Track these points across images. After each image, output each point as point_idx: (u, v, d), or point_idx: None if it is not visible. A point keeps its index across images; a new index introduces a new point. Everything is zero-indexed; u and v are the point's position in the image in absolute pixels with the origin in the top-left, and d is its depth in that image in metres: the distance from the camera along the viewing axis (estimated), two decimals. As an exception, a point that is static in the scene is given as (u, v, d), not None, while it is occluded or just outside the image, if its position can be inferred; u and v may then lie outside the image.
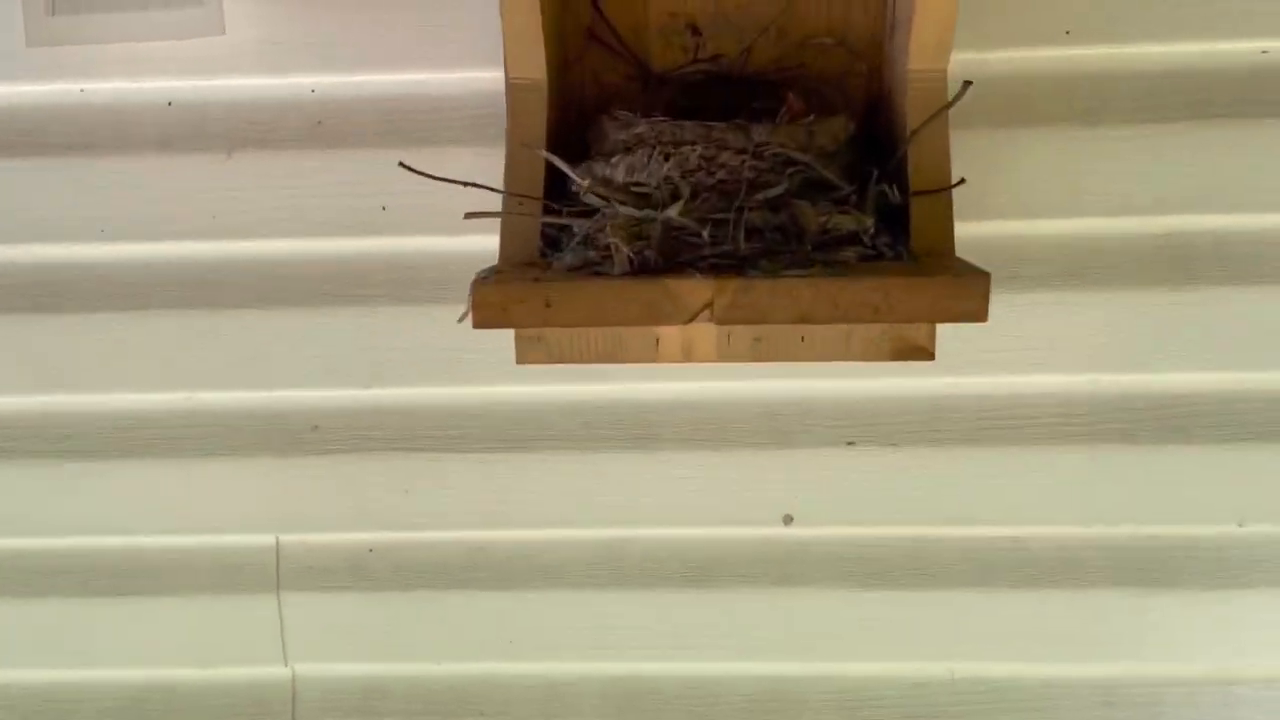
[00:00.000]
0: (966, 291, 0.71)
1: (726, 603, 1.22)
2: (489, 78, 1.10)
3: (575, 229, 0.79)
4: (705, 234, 0.77)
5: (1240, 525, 1.16)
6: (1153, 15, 1.07)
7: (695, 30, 0.97)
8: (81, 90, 1.13)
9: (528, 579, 1.23)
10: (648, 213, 0.78)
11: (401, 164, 0.88)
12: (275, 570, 1.24)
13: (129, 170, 1.14)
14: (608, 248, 0.76)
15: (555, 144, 0.89)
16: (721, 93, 0.97)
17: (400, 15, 1.11)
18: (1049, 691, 1.23)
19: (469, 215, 0.81)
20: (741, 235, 0.77)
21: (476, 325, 0.74)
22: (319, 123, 1.13)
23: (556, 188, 0.87)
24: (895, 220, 0.84)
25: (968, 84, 0.81)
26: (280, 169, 1.14)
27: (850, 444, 1.17)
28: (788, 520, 1.20)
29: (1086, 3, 1.07)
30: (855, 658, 1.23)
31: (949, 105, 0.83)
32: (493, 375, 1.17)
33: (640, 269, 0.76)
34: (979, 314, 0.71)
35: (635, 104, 0.94)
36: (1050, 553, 1.20)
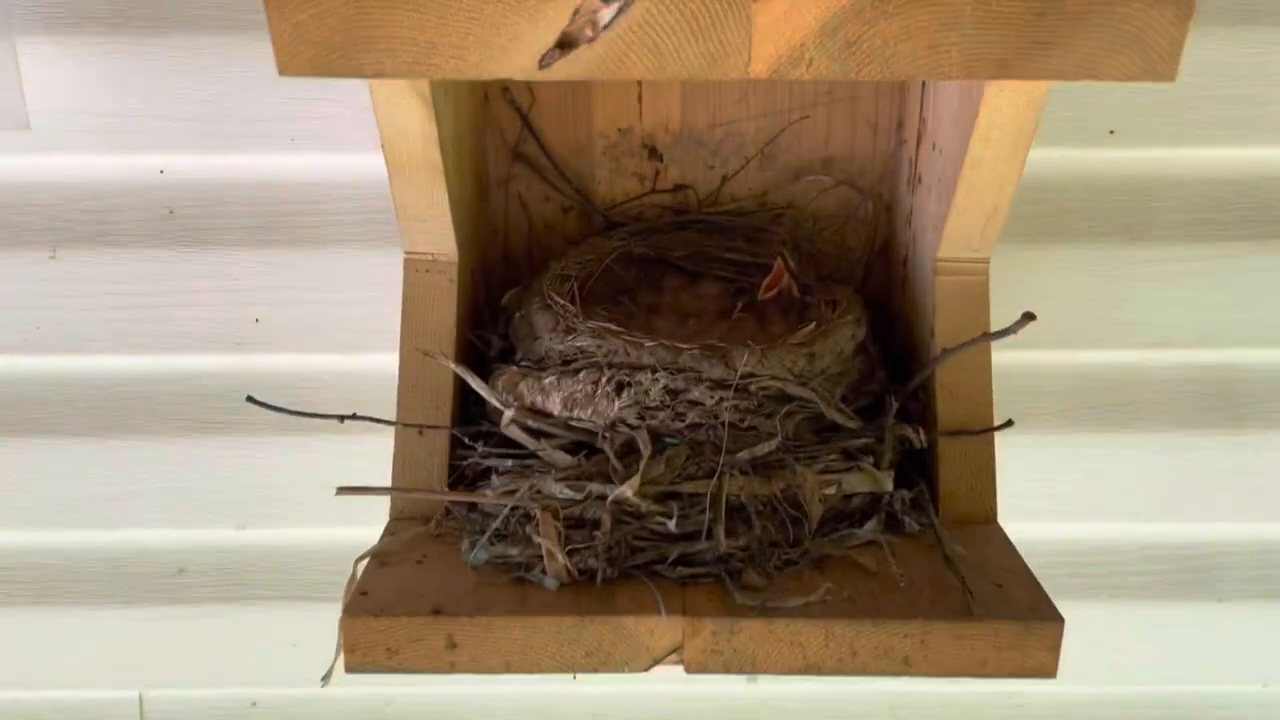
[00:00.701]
0: (1032, 643, 0.51)
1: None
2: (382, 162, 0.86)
3: (489, 511, 0.57)
4: (672, 524, 0.56)
5: (1264, 686, 1.01)
6: (1211, 114, 0.86)
7: (654, 152, 0.74)
8: None
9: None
10: (592, 489, 0.56)
11: (250, 398, 0.65)
12: (140, 729, 1.05)
13: (-72, 274, 0.89)
14: (534, 541, 0.55)
15: (467, 329, 0.67)
16: (686, 236, 0.74)
17: (273, 82, 0.85)
18: None
19: (341, 490, 0.59)
20: (721, 530, 0.55)
21: (351, 670, 0.53)
22: (170, 212, 0.89)
23: (467, 401, 0.65)
24: (915, 460, 0.64)
25: (1029, 317, 0.60)
26: (121, 270, 0.90)
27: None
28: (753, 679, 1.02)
29: (1134, 97, 0.85)
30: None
31: (992, 336, 0.61)
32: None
33: (583, 575, 0.55)
34: (1047, 669, 0.52)
35: (574, 257, 0.71)
36: (1050, 711, 1.04)
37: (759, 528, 0.57)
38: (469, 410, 0.66)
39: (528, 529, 0.56)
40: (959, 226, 0.61)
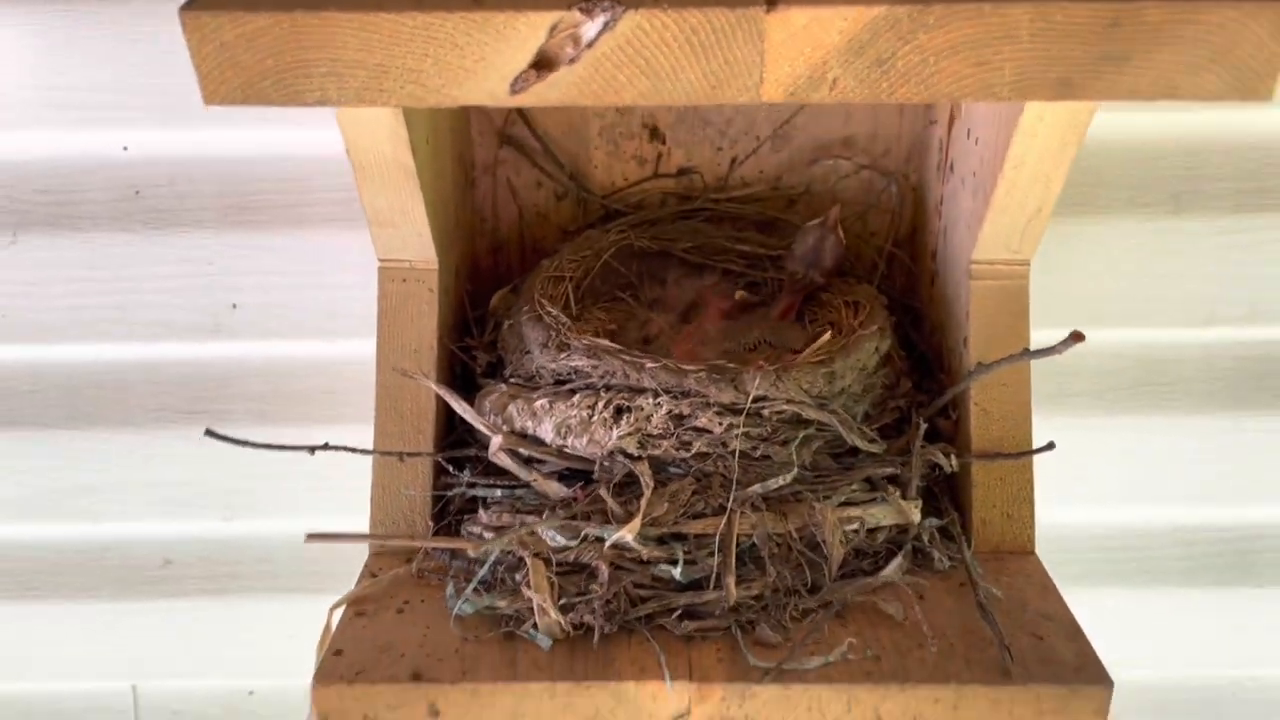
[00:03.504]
0: (1077, 706, 0.46)
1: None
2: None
3: (477, 558, 0.51)
4: (677, 571, 0.50)
5: (1294, 669, 0.98)
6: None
7: (655, 133, 0.67)
8: None
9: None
10: (588, 532, 0.51)
11: (209, 431, 0.59)
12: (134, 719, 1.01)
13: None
14: (524, 594, 0.50)
15: (450, 339, 0.60)
16: (692, 226, 0.67)
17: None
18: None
19: (311, 538, 0.53)
20: (732, 579, 0.50)
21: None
22: (136, 192, 0.83)
23: (451, 422, 0.59)
24: (944, 484, 0.58)
25: (1078, 336, 0.53)
26: (86, 254, 0.84)
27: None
28: None
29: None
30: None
31: (1035, 354, 0.55)
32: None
33: (577, 629, 0.50)
34: (1094, 741, 0.46)
35: (569, 254, 0.64)
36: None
37: (773, 573, 0.51)
38: (454, 429, 0.60)
39: (517, 577, 0.51)
40: (998, 227, 0.54)
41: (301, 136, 0.83)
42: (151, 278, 0.87)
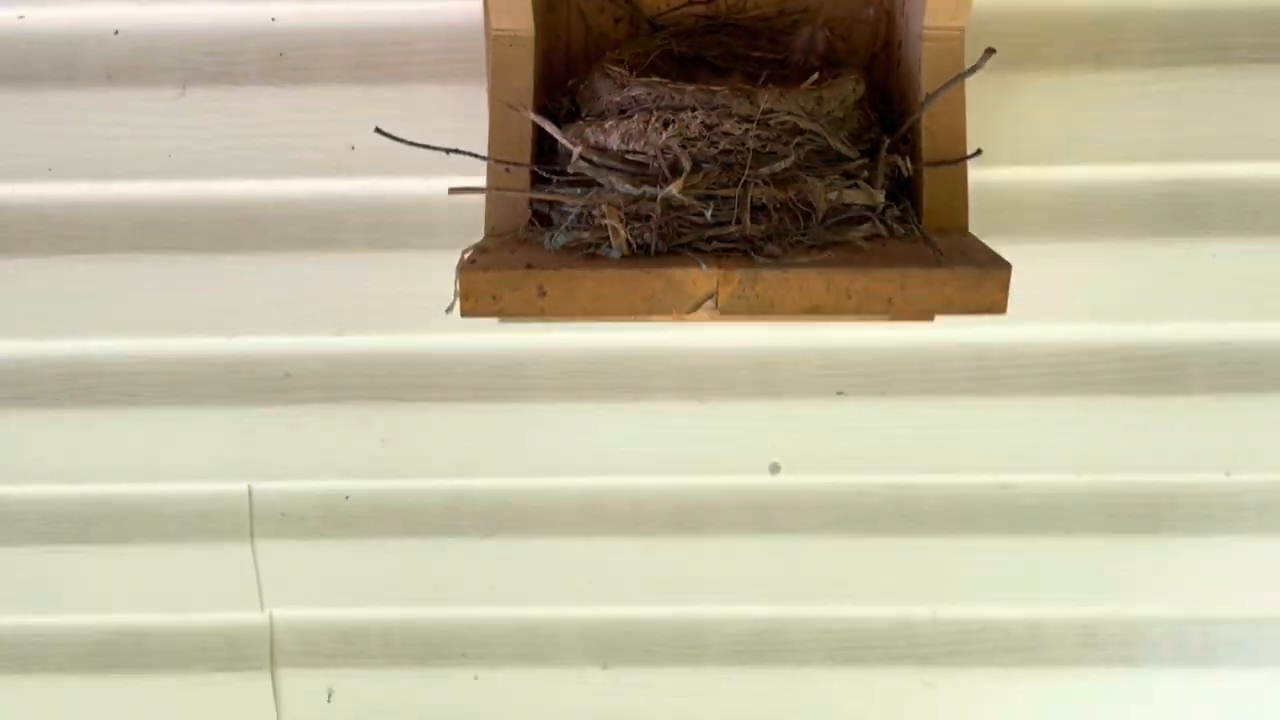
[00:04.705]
0: (987, 284, 0.67)
1: (713, 549, 1.21)
2: (462, 7, 1.02)
3: (568, 207, 0.73)
4: (708, 214, 0.72)
5: (1227, 475, 1.16)
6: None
7: (692, -29, 0.90)
8: (20, 17, 1.04)
9: (509, 526, 1.21)
10: (646, 189, 0.72)
11: (378, 130, 0.82)
12: (249, 517, 1.21)
13: (75, 105, 1.07)
14: (603, 227, 0.71)
15: (541, 98, 0.83)
16: (719, 38, 0.90)
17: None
18: (1032, 632, 1.23)
19: (453, 190, 0.75)
20: (747, 216, 0.71)
21: (465, 314, 0.69)
22: (280, 55, 1.05)
23: (543, 149, 0.81)
24: (904, 189, 0.79)
25: (990, 52, 0.75)
26: (239, 104, 1.06)
27: (840, 393, 1.14)
28: (775, 469, 1.17)
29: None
30: (840, 601, 1.22)
31: (966, 74, 0.77)
32: (475, 323, 1.11)
33: (640, 249, 0.71)
34: (999, 307, 0.67)
35: (626, 50, 0.87)
36: (1038, 500, 1.18)
37: (776, 219, 0.73)
38: (544, 154, 0.82)
39: (596, 216, 0.73)
40: (940, 2, 0.76)
41: (409, 7, 1.06)
42: (289, 124, 1.09)
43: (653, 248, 0.71)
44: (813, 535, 1.20)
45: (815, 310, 0.67)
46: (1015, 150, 1.07)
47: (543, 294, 0.68)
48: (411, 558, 1.22)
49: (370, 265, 1.12)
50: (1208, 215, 1.08)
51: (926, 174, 0.77)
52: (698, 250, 0.71)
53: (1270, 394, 1.14)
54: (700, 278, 0.68)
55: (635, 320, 0.72)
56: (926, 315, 0.69)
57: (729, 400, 1.15)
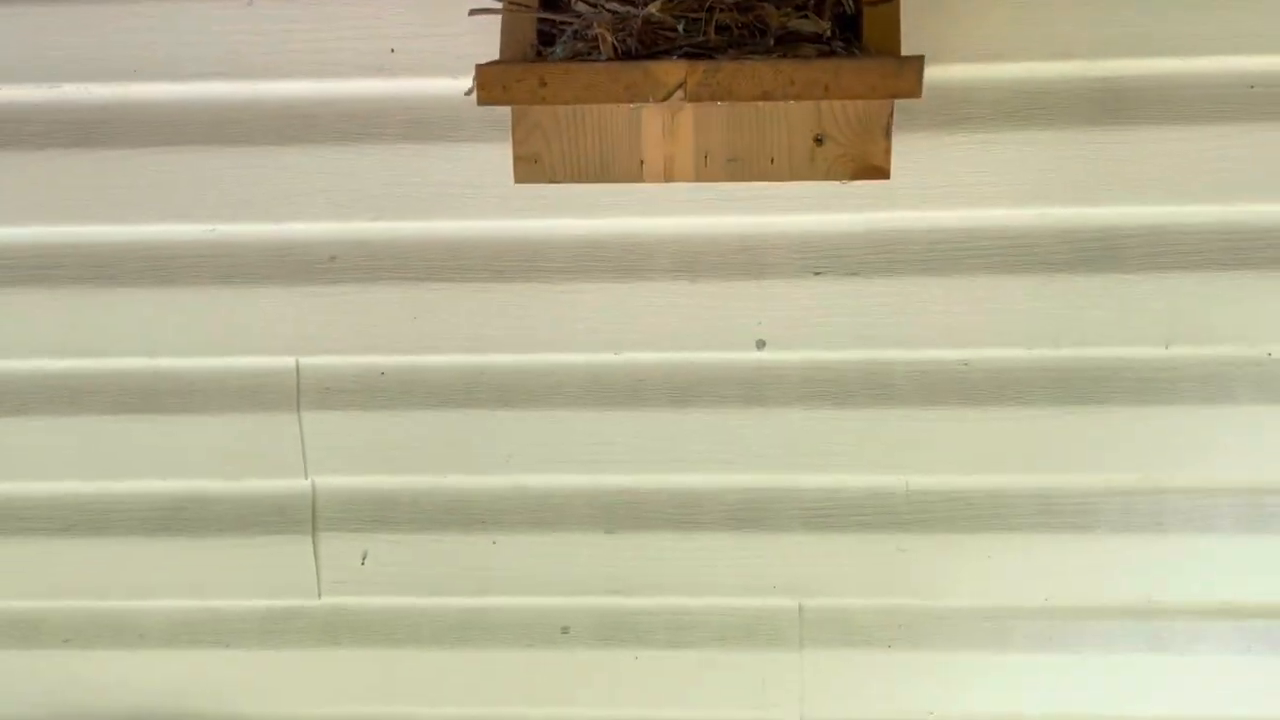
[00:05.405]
0: (905, 71, 0.83)
1: (705, 420, 1.35)
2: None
3: (566, 24, 0.90)
4: (680, 28, 0.89)
5: (1166, 348, 1.28)
6: None
7: None
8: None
9: (524, 399, 1.35)
10: (629, 9, 0.89)
11: (473, 11, 0.98)
12: (296, 391, 1.36)
13: (158, 14, 1.25)
14: (595, 40, 0.88)
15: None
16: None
17: None
18: (994, 500, 1.36)
19: (473, 12, 0.93)
20: (712, 29, 0.88)
21: (481, 102, 0.86)
22: (332, -31, 1.24)
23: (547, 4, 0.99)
24: (848, 25, 0.96)
25: None
26: (297, 13, 1.24)
27: (817, 274, 1.29)
28: (760, 345, 1.32)
29: None
30: (820, 470, 1.36)
31: None
32: (494, 210, 1.29)
33: (623, 56, 0.88)
34: (914, 91, 0.84)
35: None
36: (995, 374, 1.32)
37: (736, 34, 0.90)
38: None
39: (589, 32, 0.90)
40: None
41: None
42: (337, 30, 1.28)
43: (634, 52, 0.88)
44: (795, 408, 1.34)
45: (766, 96, 0.84)
46: (966, 49, 1.23)
47: (543, 84, 0.85)
48: (437, 429, 1.37)
49: (406, 157, 1.29)
50: (1138, 107, 1.23)
51: (867, 12, 0.94)
52: (671, 55, 0.88)
53: (1204, 271, 1.27)
54: (671, 69, 0.85)
55: (618, 103, 0.87)
56: (857, 95, 0.84)
57: (718, 280, 1.30)
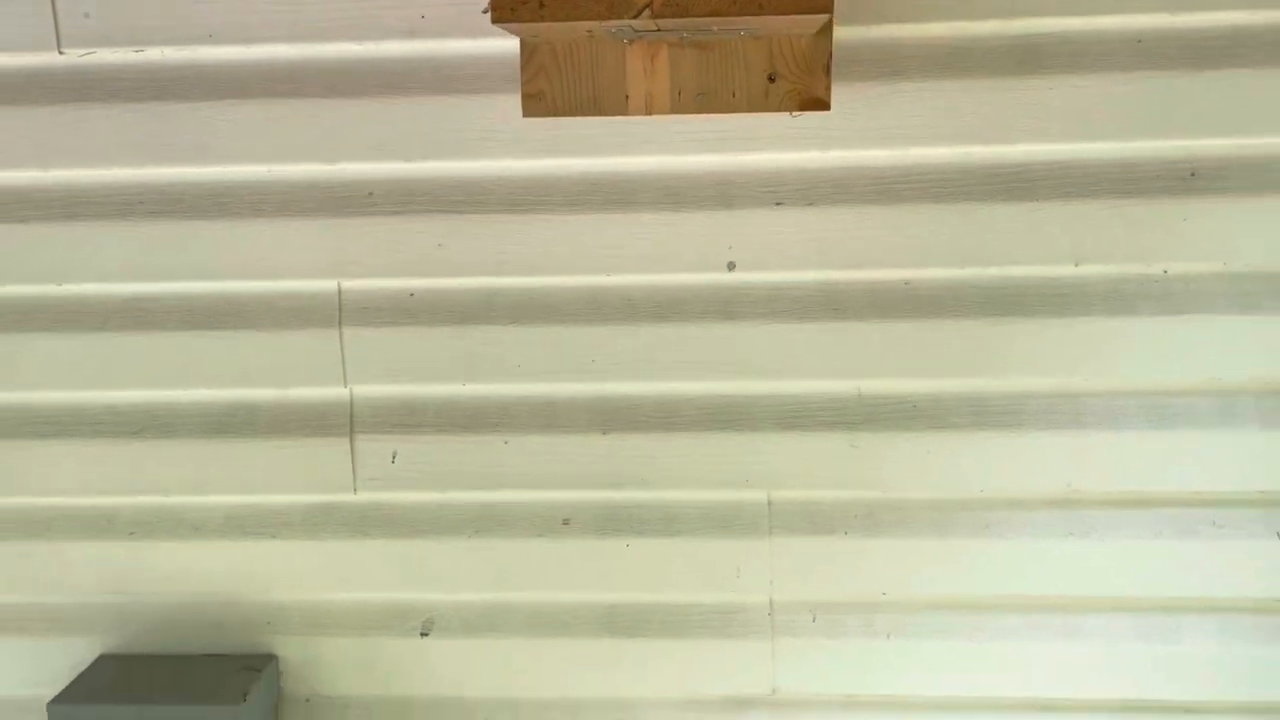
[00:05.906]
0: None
1: (684, 335, 1.58)
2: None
3: None
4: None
5: (1076, 266, 1.52)
6: None
7: None
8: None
9: (532, 316, 1.59)
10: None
11: None
12: (338, 310, 1.60)
13: (228, -8, 1.51)
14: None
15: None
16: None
17: None
18: (934, 404, 1.58)
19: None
20: None
21: (494, 21, 1.11)
22: (371, -52, 1.50)
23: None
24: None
25: None
26: (344, -16, 1.51)
27: (778, 204, 1.53)
28: (731, 266, 1.56)
29: None
30: (785, 377, 1.59)
31: None
32: (508, 151, 1.53)
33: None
34: (828, 7, 1.08)
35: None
36: (934, 291, 1.55)
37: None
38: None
39: None
40: None
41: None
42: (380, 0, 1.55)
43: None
44: (761, 323, 1.57)
45: (715, 12, 1.09)
46: (902, 12, 1.48)
47: (542, 5, 1.10)
48: (458, 344, 1.61)
49: (434, 107, 1.54)
50: (1047, 59, 1.47)
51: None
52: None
53: (1106, 199, 1.50)
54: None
55: (601, 20, 1.12)
56: (784, 11, 1.09)
57: (695, 211, 1.55)
